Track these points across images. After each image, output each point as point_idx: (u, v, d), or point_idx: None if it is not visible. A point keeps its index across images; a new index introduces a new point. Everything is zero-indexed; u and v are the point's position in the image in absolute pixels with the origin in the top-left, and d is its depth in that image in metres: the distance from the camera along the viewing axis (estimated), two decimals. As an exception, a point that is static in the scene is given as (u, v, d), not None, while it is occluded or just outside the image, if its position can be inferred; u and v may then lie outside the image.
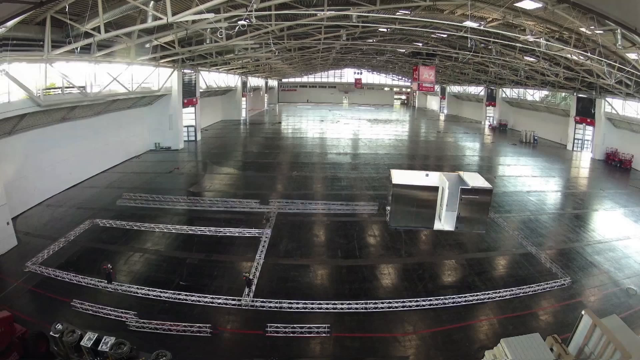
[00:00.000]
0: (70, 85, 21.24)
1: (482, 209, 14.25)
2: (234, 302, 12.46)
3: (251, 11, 14.37)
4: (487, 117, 58.70)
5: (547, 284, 13.88)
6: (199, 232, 17.44)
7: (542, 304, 13.14)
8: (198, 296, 12.59)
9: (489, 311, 12.66)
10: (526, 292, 13.42)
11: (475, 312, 12.64)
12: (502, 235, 18.38)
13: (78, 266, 14.42)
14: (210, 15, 14.73)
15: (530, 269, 15.22)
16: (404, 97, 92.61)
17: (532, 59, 29.73)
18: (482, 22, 20.85)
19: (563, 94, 43.17)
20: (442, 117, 70.74)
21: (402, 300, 12.70)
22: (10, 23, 14.04)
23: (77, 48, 17.66)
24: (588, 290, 14.04)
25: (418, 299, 12.75)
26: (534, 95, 48.71)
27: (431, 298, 12.81)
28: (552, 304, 13.15)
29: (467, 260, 15.85)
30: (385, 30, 28.19)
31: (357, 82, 75.76)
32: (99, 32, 15.74)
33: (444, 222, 14.70)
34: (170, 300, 12.55)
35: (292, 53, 37.56)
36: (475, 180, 14.15)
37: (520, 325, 11.71)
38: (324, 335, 11.25)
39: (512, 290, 13.37)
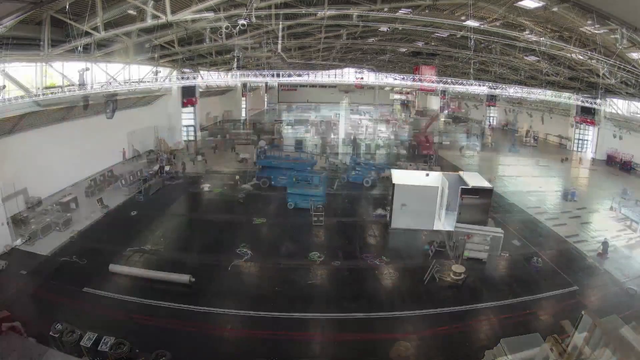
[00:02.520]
0: (70, 85, 21.16)
1: (482, 209, 14.27)
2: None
3: (251, 11, 14.36)
4: (488, 117, 58.58)
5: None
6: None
7: (542, 304, 13.12)
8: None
9: (490, 312, 12.64)
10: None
11: (476, 313, 12.62)
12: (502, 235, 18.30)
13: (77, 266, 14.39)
14: (210, 15, 14.71)
15: (530, 269, 15.19)
16: (404, 97, 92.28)
17: (533, 59, 29.63)
18: (483, 22, 20.79)
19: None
20: (442, 117, 70.38)
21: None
22: (9, 22, 13.99)
23: (76, 47, 17.60)
24: (588, 290, 14.02)
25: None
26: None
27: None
28: (553, 304, 13.14)
29: (467, 260, 15.79)
30: (385, 29, 28.11)
31: (358, 82, 75.36)
32: (98, 31, 15.71)
33: (444, 222, 14.71)
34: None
35: (292, 52, 37.46)
36: (475, 180, 14.16)
37: (521, 325, 11.69)
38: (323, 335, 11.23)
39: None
